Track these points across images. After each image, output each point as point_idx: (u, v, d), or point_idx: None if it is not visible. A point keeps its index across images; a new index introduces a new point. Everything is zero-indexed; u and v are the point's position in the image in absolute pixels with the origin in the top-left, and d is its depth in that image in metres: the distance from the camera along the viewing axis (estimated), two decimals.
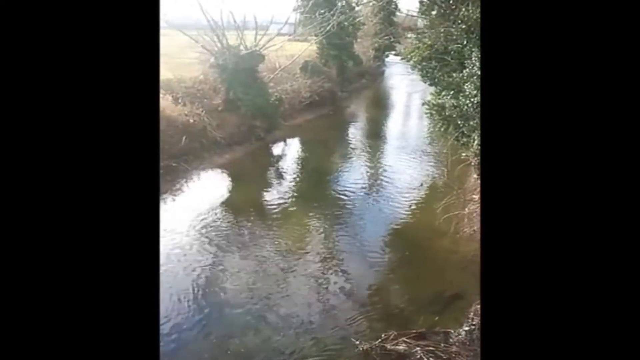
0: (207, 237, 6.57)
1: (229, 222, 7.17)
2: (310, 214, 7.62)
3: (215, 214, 7.40)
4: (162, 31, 11.71)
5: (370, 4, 26.66)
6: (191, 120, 10.07)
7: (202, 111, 10.71)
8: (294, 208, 7.96)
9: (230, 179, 9.34)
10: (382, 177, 9.91)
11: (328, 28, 15.57)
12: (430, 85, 7.88)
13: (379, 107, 19.39)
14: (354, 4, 24.48)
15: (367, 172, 10.45)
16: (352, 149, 12.52)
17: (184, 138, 9.33)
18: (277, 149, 11.76)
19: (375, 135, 14.35)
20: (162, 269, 5.63)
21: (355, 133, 14.87)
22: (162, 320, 4.73)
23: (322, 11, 16.21)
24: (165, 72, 11.41)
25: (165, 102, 9.90)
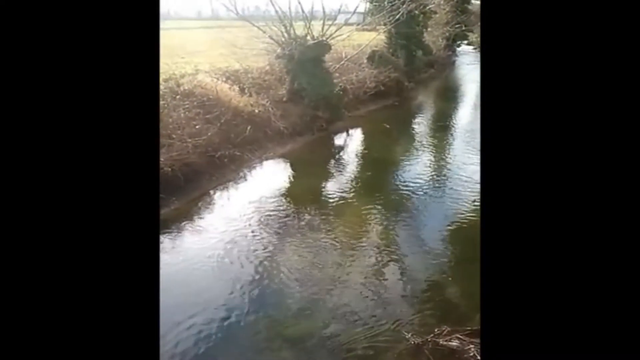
0: (267, 225, 6.69)
1: (289, 211, 7.24)
2: (370, 206, 7.48)
3: (276, 202, 7.51)
4: (231, 22, 12.11)
5: None
6: (256, 111, 10.29)
7: (267, 101, 10.91)
8: (354, 200, 7.87)
9: (291, 168, 9.45)
10: (446, 171, 9.52)
11: (397, 17, 15.18)
12: None
13: (448, 98, 18.61)
14: None
15: (432, 165, 10.08)
16: (417, 141, 12.15)
17: (248, 128, 9.55)
18: (339, 140, 11.71)
19: (442, 127, 13.78)
20: (221, 254, 5.85)
21: (421, 125, 14.40)
22: (218, 304, 4.91)
23: (392, 0, 15.81)
24: (233, 63, 11.78)
25: (232, 92, 10.22)
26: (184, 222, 6.64)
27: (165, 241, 6.14)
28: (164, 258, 5.63)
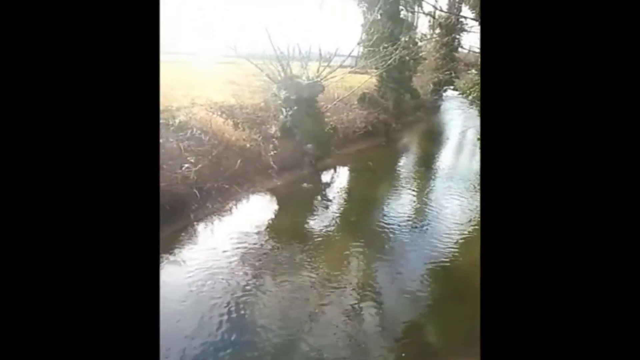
0: (247, 259, 6.56)
1: (271, 246, 7.13)
2: (353, 243, 7.41)
3: (259, 237, 7.40)
4: (230, 59, 12.27)
5: (434, 39, 26.52)
6: (248, 145, 10.30)
7: (259, 137, 10.94)
8: (337, 236, 7.80)
9: (277, 203, 9.37)
10: (429, 211, 9.51)
11: (390, 62, 15.54)
12: None
13: (433, 140, 18.85)
14: (417, 40, 24.43)
15: (415, 204, 10.09)
16: (402, 180, 12.20)
17: (238, 161, 9.53)
18: (326, 176, 11.71)
19: (426, 168, 13.90)
20: (200, 285, 5.68)
21: (406, 165, 14.51)
22: (191, 338, 4.72)
23: (386, 45, 16.23)
24: (229, 98, 11.88)
25: (226, 126, 10.24)
26: (165, 254, 6.47)
27: None
28: None
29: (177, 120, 9.55)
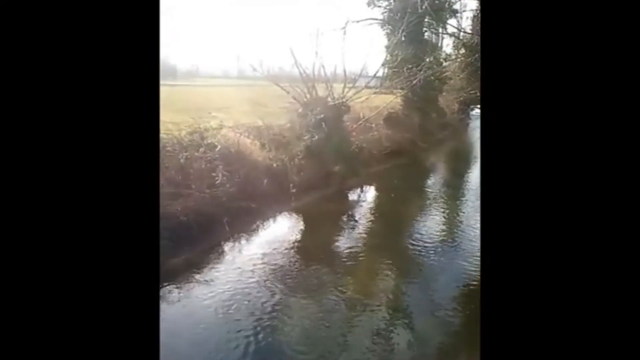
0: (275, 279, 6.44)
1: (298, 265, 7.00)
2: (381, 264, 7.20)
3: (286, 257, 7.29)
4: (257, 82, 12.52)
5: (458, 60, 26.37)
6: (274, 165, 10.33)
7: (286, 157, 10.97)
8: (365, 256, 7.60)
9: (303, 223, 9.28)
10: (458, 231, 9.20)
11: (414, 82, 15.48)
12: None
13: (460, 159, 18.48)
14: (442, 60, 24.33)
15: (443, 224, 9.78)
16: (429, 200, 11.91)
17: (265, 181, 9.54)
18: (353, 195, 11.57)
19: (454, 187, 13.55)
20: (226, 306, 5.59)
21: (434, 184, 14.21)
22: (218, 356, 4.61)
23: (410, 66, 16.21)
24: (256, 120, 12.02)
25: (253, 147, 10.33)
26: (193, 273, 6.44)
27: (173, 291, 5.93)
28: (169, 309, 5.39)
29: (205, 142, 9.68)
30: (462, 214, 10.70)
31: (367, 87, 14.36)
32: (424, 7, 16.18)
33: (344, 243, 8.24)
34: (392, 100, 17.22)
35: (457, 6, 22.04)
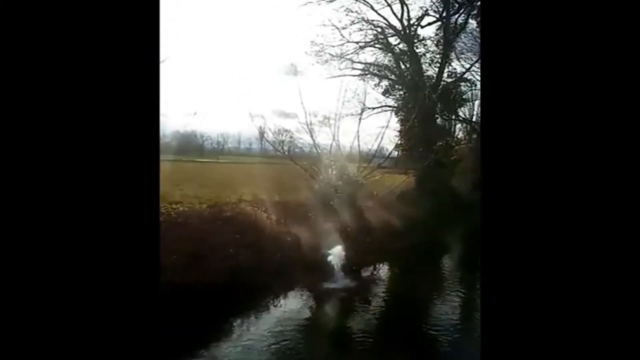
0: (282, 358, 6.07)
1: (307, 346, 6.62)
2: (394, 347, 6.73)
3: (295, 337, 6.93)
4: (277, 160, 12.98)
5: (469, 145, 26.90)
6: (288, 239, 10.28)
7: (301, 232, 10.92)
8: (376, 339, 7.14)
9: (315, 301, 8.93)
10: (474, 313, 8.65)
11: (426, 164, 15.75)
12: None
13: (475, 239, 18.02)
14: (453, 144, 24.87)
15: (459, 306, 9.26)
16: (444, 280, 11.42)
17: (278, 254, 9.43)
18: (364, 273, 11.22)
19: (469, 268, 13.04)
20: None
21: (448, 265, 13.72)
22: None
23: (421, 149, 16.61)
24: (274, 195, 12.23)
25: (269, 221, 10.38)
26: (199, 350, 6.13)
27: None
28: None
29: (223, 215, 9.80)
30: (477, 294, 10.16)
31: (380, 166, 14.65)
32: (433, 98, 16.99)
33: (355, 324, 7.83)
34: (404, 180, 17.41)
35: (468, 95, 23.06)
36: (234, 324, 7.22)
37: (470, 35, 20.31)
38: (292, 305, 8.51)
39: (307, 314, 8.24)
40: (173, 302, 6.07)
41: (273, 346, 6.46)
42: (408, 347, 6.83)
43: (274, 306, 8.27)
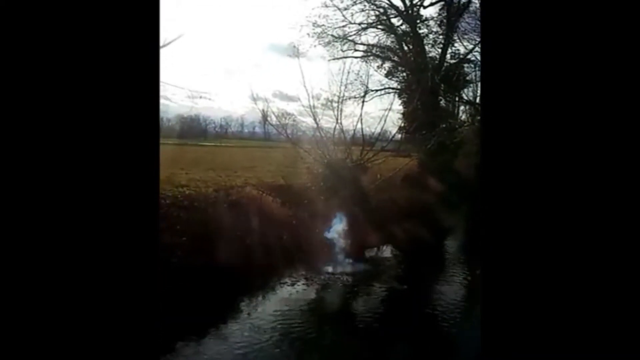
0: (290, 339, 6.17)
1: (313, 327, 6.72)
2: (400, 331, 6.82)
3: (300, 318, 7.04)
4: (280, 144, 12.96)
5: (473, 127, 26.63)
6: (294, 222, 10.34)
7: (306, 214, 10.98)
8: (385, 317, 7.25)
9: (320, 283, 9.01)
10: (478, 294, 8.73)
11: (429, 147, 15.66)
12: None
13: (478, 223, 18.04)
14: (456, 126, 24.65)
15: (463, 287, 9.34)
16: (447, 260, 11.54)
17: (284, 236, 9.52)
18: (369, 253, 11.33)
19: (471, 250, 13.11)
20: None
21: (452, 246, 13.81)
22: None
23: (424, 132, 16.49)
24: (279, 179, 12.25)
25: (274, 204, 10.42)
26: (209, 328, 6.25)
27: (190, 345, 5.74)
28: None
29: (229, 199, 9.84)
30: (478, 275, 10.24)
31: (384, 150, 14.59)
32: (436, 79, 16.77)
33: (362, 304, 7.94)
34: (408, 163, 17.35)
35: (471, 77, 22.74)
36: (242, 305, 7.33)
37: (473, 15, 19.86)
38: (298, 286, 8.61)
39: (312, 296, 8.34)
40: (179, 283, 6.19)
41: (281, 326, 6.57)
42: (413, 330, 6.92)
43: (280, 288, 8.37)
